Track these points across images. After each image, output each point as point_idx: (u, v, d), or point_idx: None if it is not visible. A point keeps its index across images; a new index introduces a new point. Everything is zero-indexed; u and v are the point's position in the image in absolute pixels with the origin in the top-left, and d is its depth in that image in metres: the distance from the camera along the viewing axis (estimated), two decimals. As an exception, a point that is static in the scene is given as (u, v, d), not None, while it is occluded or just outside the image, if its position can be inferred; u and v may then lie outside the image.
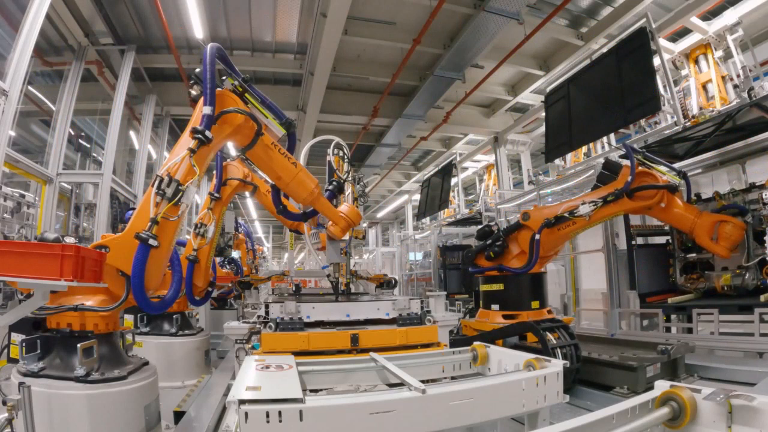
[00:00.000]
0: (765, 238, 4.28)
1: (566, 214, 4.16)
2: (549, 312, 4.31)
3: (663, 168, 4.23)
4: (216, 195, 4.29)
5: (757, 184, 4.76)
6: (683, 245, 5.47)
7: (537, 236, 4.21)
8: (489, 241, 4.50)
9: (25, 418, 2.03)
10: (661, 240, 6.22)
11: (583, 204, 4.10)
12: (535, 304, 4.24)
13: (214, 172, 4.46)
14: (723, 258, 4.53)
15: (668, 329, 5.25)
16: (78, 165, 9.63)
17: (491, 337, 3.88)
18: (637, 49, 5.41)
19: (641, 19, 5.56)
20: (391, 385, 2.08)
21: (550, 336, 3.65)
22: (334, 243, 3.55)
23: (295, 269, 9.03)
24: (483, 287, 4.55)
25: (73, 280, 2.05)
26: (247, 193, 4.86)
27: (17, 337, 2.43)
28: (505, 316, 4.23)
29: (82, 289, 2.36)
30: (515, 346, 3.89)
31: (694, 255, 5.33)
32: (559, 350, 3.55)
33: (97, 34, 8.23)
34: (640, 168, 4.13)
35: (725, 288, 4.85)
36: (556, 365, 1.92)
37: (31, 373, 2.24)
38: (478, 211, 11.37)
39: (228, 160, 4.76)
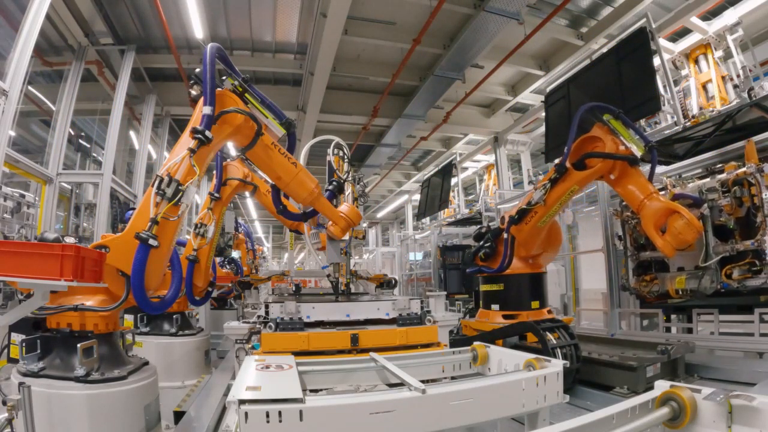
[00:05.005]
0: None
1: (525, 206, 4.05)
2: (549, 312, 4.29)
3: (632, 133, 3.73)
4: (216, 195, 4.29)
5: (715, 168, 4.33)
6: (636, 241, 4.93)
7: (505, 235, 4.16)
8: (481, 243, 4.52)
9: (25, 418, 2.03)
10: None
11: (535, 190, 3.95)
12: (535, 304, 4.21)
13: (214, 172, 4.46)
14: (668, 256, 4.03)
15: (668, 329, 5.25)
16: (78, 165, 9.64)
17: (491, 337, 3.88)
18: (637, 49, 5.41)
19: (641, 19, 5.56)
20: (391, 385, 2.07)
21: (550, 336, 3.64)
22: (334, 243, 3.55)
23: (295, 269, 9.04)
24: (483, 287, 4.53)
25: (73, 280, 2.05)
26: (247, 193, 4.87)
27: (17, 337, 2.43)
28: (505, 316, 4.22)
29: (82, 289, 2.37)
30: (515, 346, 3.89)
31: (647, 253, 4.72)
32: (559, 350, 3.55)
33: (97, 34, 8.23)
34: (602, 133, 3.78)
35: (679, 292, 4.30)
36: (556, 365, 1.92)
37: (31, 373, 2.24)
38: (478, 211, 11.37)
39: (228, 160, 4.77)
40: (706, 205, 3.97)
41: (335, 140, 4.02)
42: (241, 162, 4.66)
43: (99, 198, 8.03)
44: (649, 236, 3.70)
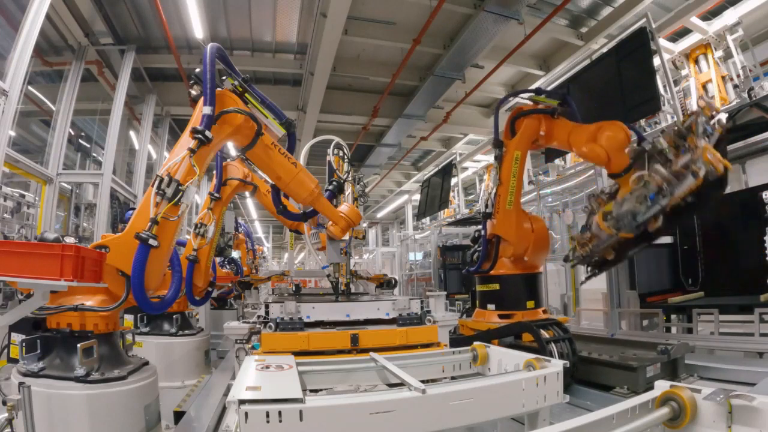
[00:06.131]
0: None
1: (488, 194, 4.25)
2: (544, 312, 4.28)
3: (543, 96, 4.00)
4: (216, 195, 4.30)
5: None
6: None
7: (483, 231, 4.29)
8: (476, 247, 4.54)
9: (25, 418, 2.03)
10: (662, 240, 6.23)
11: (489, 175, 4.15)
12: (530, 304, 4.20)
13: (214, 172, 4.47)
14: (600, 161, 3.67)
15: (668, 329, 5.26)
16: (78, 165, 9.64)
17: (488, 336, 3.87)
18: (637, 49, 5.40)
19: (641, 19, 5.56)
20: (391, 385, 2.07)
21: (544, 333, 3.69)
22: (334, 243, 3.55)
23: (295, 269, 9.05)
24: (479, 287, 4.51)
25: (73, 280, 2.05)
26: (247, 193, 4.87)
27: (17, 337, 2.43)
28: (500, 316, 4.21)
29: (82, 289, 2.37)
30: (511, 345, 3.91)
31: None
32: (554, 345, 3.56)
33: (97, 34, 8.23)
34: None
35: (607, 218, 3.47)
36: (556, 365, 1.92)
37: (31, 373, 2.24)
38: (478, 211, 11.36)
39: (228, 160, 4.77)
40: (647, 140, 3.65)
41: (335, 140, 4.02)
42: (241, 162, 4.66)
43: (99, 198, 8.03)
44: (584, 156, 3.73)
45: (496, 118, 4.25)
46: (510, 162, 4.02)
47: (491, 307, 4.30)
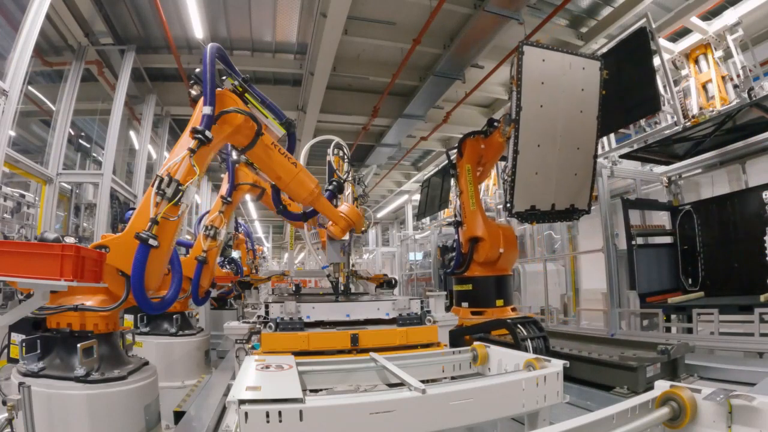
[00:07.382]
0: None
1: (455, 206, 5.16)
2: (513, 309, 4.73)
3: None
4: (228, 199, 4.32)
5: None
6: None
7: (456, 236, 5.12)
8: (452, 254, 5.15)
9: (25, 418, 2.03)
10: (662, 240, 6.24)
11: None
12: (499, 302, 4.74)
13: (223, 176, 4.49)
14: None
15: (668, 329, 5.26)
16: (78, 165, 9.63)
17: (463, 331, 4.32)
18: (637, 49, 5.41)
19: (641, 19, 5.57)
20: (391, 385, 2.07)
21: (521, 328, 3.85)
22: (334, 243, 3.55)
23: (295, 269, 9.05)
24: (455, 287, 5.07)
25: (73, 280, 2.05)
26: (248, 197, 4.92)
27: (17, 337, 2.43)
28: (473, 313, 4.71)
29: (82, 289, 2.37)
30: (481, 339, 4.08)
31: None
32: (529, 342, 3.68)
33: (97, 34, 8.22)
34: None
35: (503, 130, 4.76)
36: (557, 365, 1.92)
37: (31, 373, 2.24)
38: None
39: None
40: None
41: (335, 140, 4.02)
42: (245, 166, 4.69)
43: (99, 198, 8.03)
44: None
45: (447, 155, 5.58)
46: (464, 174, 5.14)
47: (465, 304, 4.86)
